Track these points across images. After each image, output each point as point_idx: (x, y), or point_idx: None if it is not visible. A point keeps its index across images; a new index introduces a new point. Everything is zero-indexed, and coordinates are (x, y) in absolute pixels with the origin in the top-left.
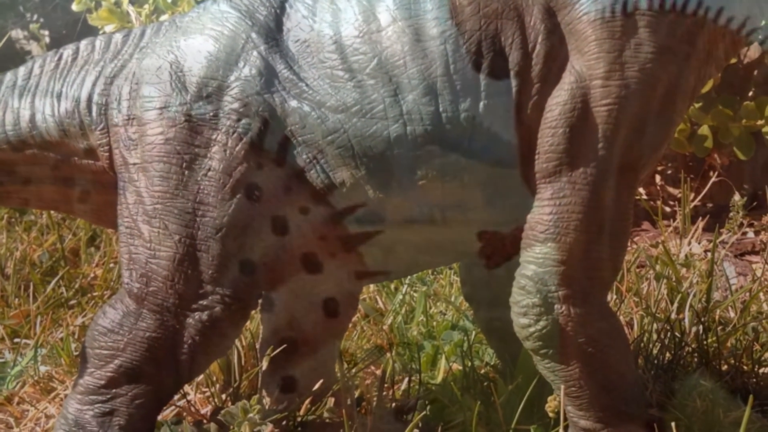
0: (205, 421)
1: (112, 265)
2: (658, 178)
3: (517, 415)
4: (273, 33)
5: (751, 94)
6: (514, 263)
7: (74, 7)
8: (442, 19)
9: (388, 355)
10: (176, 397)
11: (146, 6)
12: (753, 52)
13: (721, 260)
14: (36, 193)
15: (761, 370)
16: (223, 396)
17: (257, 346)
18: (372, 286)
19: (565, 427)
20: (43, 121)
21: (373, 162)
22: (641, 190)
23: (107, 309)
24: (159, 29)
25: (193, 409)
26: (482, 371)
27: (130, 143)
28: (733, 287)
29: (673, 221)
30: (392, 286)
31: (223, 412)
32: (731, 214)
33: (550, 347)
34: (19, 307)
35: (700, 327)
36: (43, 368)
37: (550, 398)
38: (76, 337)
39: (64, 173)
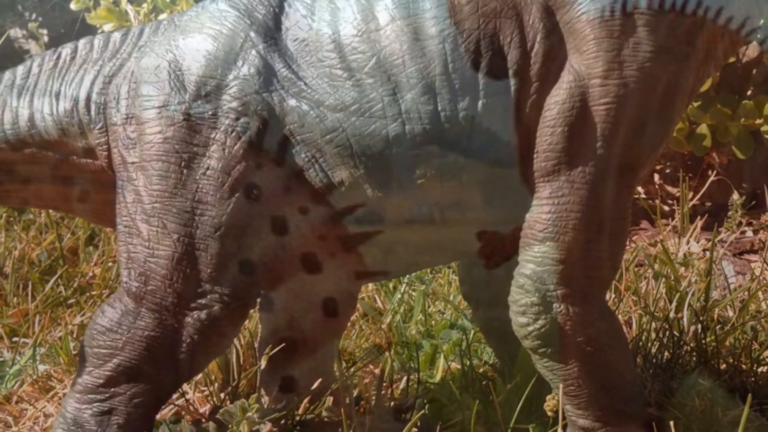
0: (203, 420)
1: (110, 264)
2: (656, 177)
3: (515, 414)
4: (272, 32)
5: (749, 93)
6: (513, 263)
7: (73, 6)
8: (440, 18)
9: (387, 354)
10: (175, 396)
11: (145, 5)
12: (752, 51)
13: (720, 259)
14: (35, 193)
15: (760, 369)
16: (222, 395)
17: (256, 345)
18: (370, 285)
19: (564, 426)
20: (41, 120)
21: (371, 161)
22: (640, 188)
23: (106, 308)
24: (157, 28)
25: (191, 408)
26: (481, 370)
27: (128, 142)
28: (732, 286)
29: (672, 220)
30: (391, 285)
31: (221, 411)
32: (730, 213)
33: (548, 346)
34: (17, 306)
35: (699, 326)
36: (41, 367)
37: (548, 397)
38: (74, 336)
39: (63, 172)
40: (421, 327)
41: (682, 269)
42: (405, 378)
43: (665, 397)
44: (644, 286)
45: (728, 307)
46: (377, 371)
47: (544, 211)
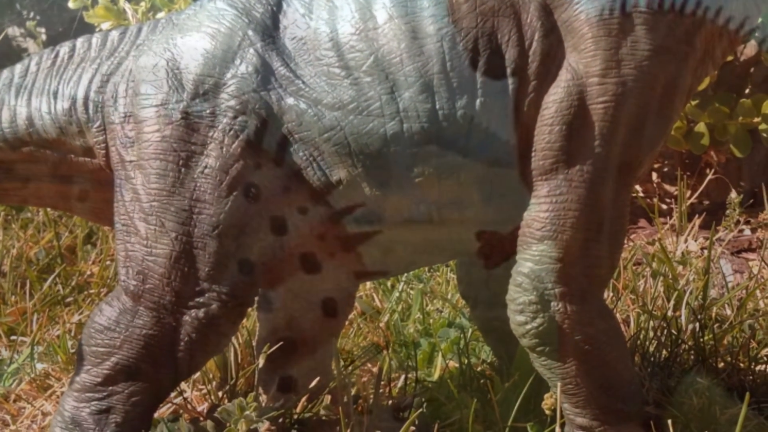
0: (201, 418)
1: (108, 262)
2: (654, 175)
3: (513, 413)
4: (269, 30)
5: (747, 91)
6: (512, 263)
7: (71, 4)
8: (438, 17)
9: (385, 352)
10: (173, 394)
11: (143, 3)
12: (750, 50)
13: (718, 258)
14: (34, 191)
15: (758, 368)
16: (220, 393)
17: (254, 343)
18: (368, 284)
19: (562, 425)
20: (39, 119)
21: (369, 159)
22: (638, 187)
23: (104, 306)
24: (155, 27)
25: (189, 406)
26: (479, 369)
27: (126, 141)
28: (730, 285)
29: (670, 219)
30: (389, 284)
31: (219, 409)
32: (728, 211)
33: (546, 345)
34: (15, 305)
35: (697, 324)
36: (39, 366)
37: (546, 396)
38: (72, 334)
39: (62, 171)
40: (419, 325)
41: (680, 268)
42: (403, 376)
43: (663, 396)
44: (642, 284)
45: (726, 305)
46: (375, 370)
47: (542, 210)
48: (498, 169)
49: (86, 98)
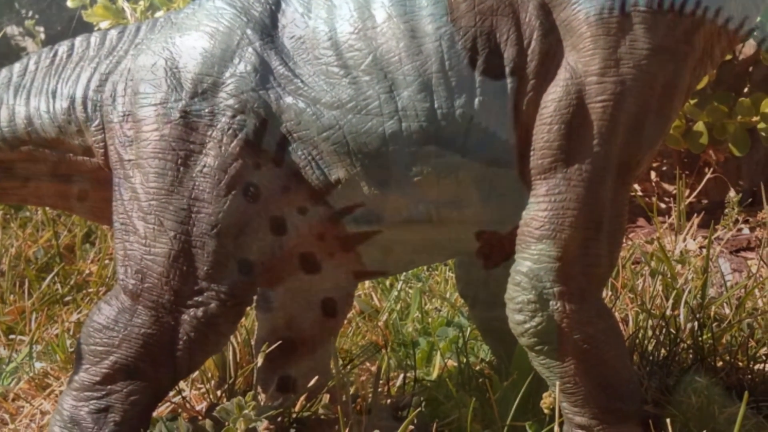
0: (200, 417)
1: (107, 261)
2: (653, 174)
3: (512, 412)
4: (268, 29)
5: (746, 90)
6: (512, 263)
7: (69, 3)
8: (437, 16)
9: (384, 351)
10: (171, 393)
11: (141, 2)
12: (748, 49)
13: (717, 257)
14: (34, 191)
15: (756, 367)
16: (219, 392)
17: (252, 342)
18: (367, 283)
19: (561, 424)
20: (38, 118)
21: (368, 159)
22: (636, 186)
23: (102, 305)
24: (154, 26)
25: (188, 405)
26: (477, 368)
27: (125, 140)
28: (729, 284)
29: (669, 218)
30: (387, 283)
31: (218, 408)
32: (726, 210)
33: (545, 344)
34: (14, 304)
35: (696, 323)
36: (38, 365)
37: (545, 395)
38: (71, 333)
39: (61, 170)
40: (418, 324)
41: (679, 267)
42: (402, 375)
43: (662, 395)
44: (641, 283)
45: (725, 304)
46: (374, 369)
47: (540, 209)
48: (497, 169)
49: (85, 97)
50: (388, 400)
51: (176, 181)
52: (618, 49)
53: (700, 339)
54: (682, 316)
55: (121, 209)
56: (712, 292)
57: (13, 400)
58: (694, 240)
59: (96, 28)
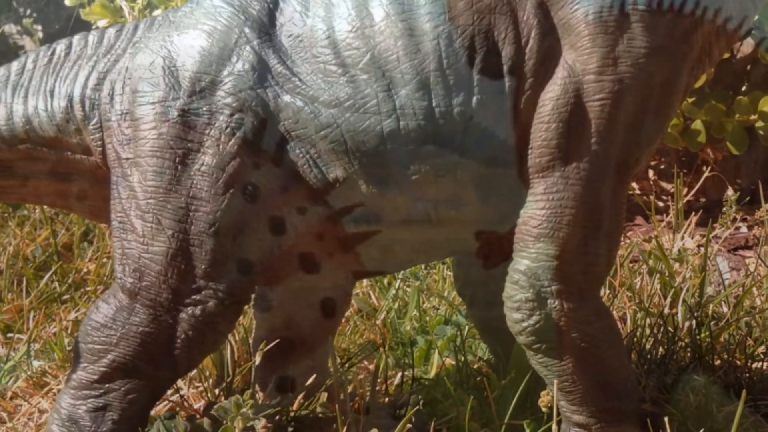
0: (198, 415)
1: (105, 260)
2: (651, 172)
3: (510, 410)
4: (266, 28)
5: (744, 89)
6: (511, 263)
7: (67, 2)
8: (435, 15)
9: (382, 350)
10: (169, 392)
11: (139, 1)
12: (746, 47)
13: (714, 255)
14: (33, 190)
15: (754, 365)
16: (216, 391)
17: (250, 341)
18: (365, 282)
19: (558, 422)
20: (36, 117)
21: (366, 157)
22: (634, 184)
23: (100, 304)
24: (152, 24)
25: (186, 403)
26: (475, 366)
27: (123, 138)
28: (726, 282)
29: (666, 216)
30: (385, 281)
31: (216, 406)
32: (724, 209)
33: (543, 342)
34: (12, 302)
35: (693, 322)
36: (36, 363)
37: (543, 393)
38: (69, 332)
39: (60, 169)
40: (416, 323)
41: (677, 265)
42: (399, 374)
43: (660, 393)
44: (639, 281)
45: (723, 303)
46: (372, 367)
47: (538, 208)
48: (495, 167)
49: (83, 96)
50: (386, 399)
51: (174, 180)
52: (616, 47)
53: (698, 337)
54: (680, 315)
55: (119, 208)
56: (710, 290)
57: (11, 398)
58: (692, 238)
59: (94, 27)
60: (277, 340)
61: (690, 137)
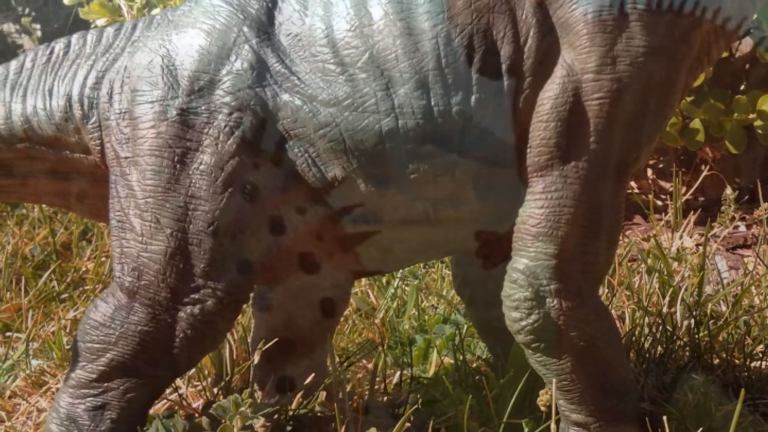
0: (196, 414)
1: (104, 258)
2: (649, 171)
3: (508, 409)
4: (265, 27)
5: (743, 88)
6: (510, 262)
7: (66, 1)
8: (433, 13)
9: (380, 349)
10: (168, 390)
11: (138, 0)
12: (745, 46)
13: (713, 254)
14: (33, 189)
15: (753, 364)
16: (215, 390)
17: (249, 339)
18: (364, 280)
19: (557, 421)
20: (35, 116)
21: (364, 156)
22: (633, 183)
23: (99, 303)
24: (151, 23)
25: (184, 402)
26: (474, 365)
27: (122, 137)
28: (725, 281)
29: (665, 215)
30: (384, 280)
31: (214, 405)
32: (723, 207)
33: (541, 341)
34: (10, 301)
35: (692, 321)
36: (34, 362)
37: (541, 392)
38: (67, 330)
39: (59, 168)
40: (415, 322)
41: (675, 264)
42: (398, 373)
43: (658, 392)
44: (637, 280)
45: (721, 302)
46: (370, 366)
47: (537, 206)
48: (494, 166)
49: (82, 95)
50: (385, 398)
51: (173, 179)
52: (615, 47)
53: (696, 336)
54: (678, 314)
55: (117, 207)
56: (708, 289)
57: (10, 397)
58: (691, 237)
59: (93, 26)
60: (276, 340)
61: (689, 136)
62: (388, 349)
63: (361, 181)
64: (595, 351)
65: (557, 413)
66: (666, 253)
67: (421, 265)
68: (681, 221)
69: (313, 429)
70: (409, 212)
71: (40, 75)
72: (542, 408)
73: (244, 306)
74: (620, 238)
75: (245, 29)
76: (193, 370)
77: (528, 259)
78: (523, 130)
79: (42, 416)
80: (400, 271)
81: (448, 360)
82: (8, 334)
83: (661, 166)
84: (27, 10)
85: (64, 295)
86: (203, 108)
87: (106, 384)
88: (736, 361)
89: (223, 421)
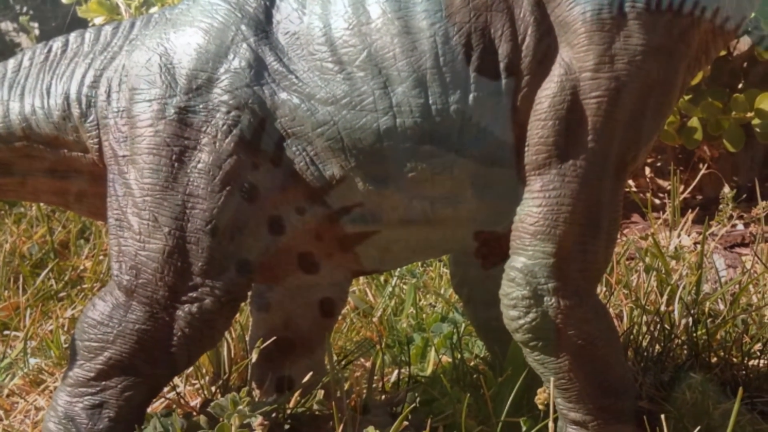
0: (194, 413)
1: (101, 257)
2: (647, 170)
3: (506, 408)
4: (263, 25)
5: (741, 86)
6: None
7: None
8: (431, 12)
9: (378, 347)
10: (166, 389)
11: None
12: (743, 45)
13: (711, 252)
14: (32, 188)
15: (751, 363)
16: (213, 388)
17: (247, 338)
18: (362, 279)
19: (555, 420)
20: (33, 115)
21: (362, 154)
22: (631, 182)
23: (97, 301)
24: (149, 21)
25: (182, 401)
26: (472, 363)
27: (119, 136)
28: (723, 279)
29: (663, 213)
30: (382, 279)
31: (212, 404)
32: (721, 206)
33: (539, 339)
34: (8, 300)
35: (690, 319)
36: (32, 361)
37: (539, 390)
38: (65, 329)
39: (57, 167)
40: (413, 320)
41: (673, 262)
42: (396, 371)
43: (656, 391)
44: (635, 279)
45: (719, 300)
46: (368, 365)
47: (535, 205)
48: (492, 165)
49: (80, 94)
50: (383, 397)
51: (171, 177)
52: (613, 45)
53: (694, 335)
54: (676, 312)
55: (115, 205)
56: (706, 288)
57: (8, 396)
58: (689, 236)
59: (90, 24)
60: (274, 338)
61: (687, 135)
62: (386, 347)
63: (360, 180)
64: (593, 349)
65: (555, 412)
66: (664, 251)
67: (419, 263)
68: (679, 220)
69: (311, 427)
70: (407, 211)
71: (38, 73)
72: (540, 406)
73: (242, 304)
74: (618, 236)
75: (243, 27)
76: (191, 368)
77: (526, 257)
78: (522, 129)
79: (40, 415)
80: (398, 269)
81: (446, 358)
82: (6, 332)
83: (659, 164)
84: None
85: (62, 294)
86: (201, 106)
87: (104, 382)
88: (734, 359)
89: (220, 419)
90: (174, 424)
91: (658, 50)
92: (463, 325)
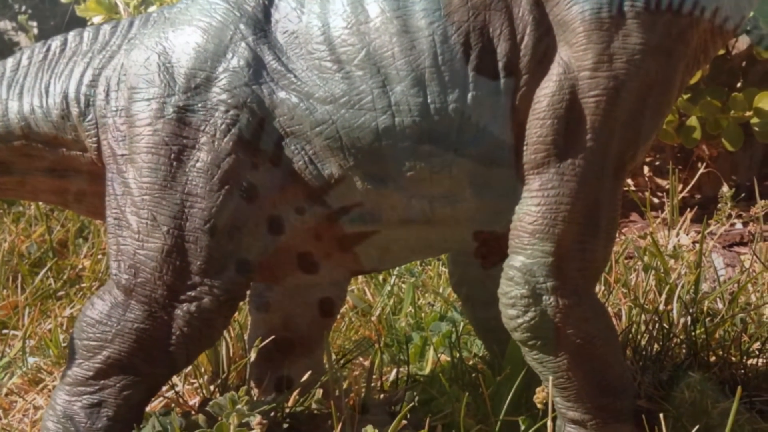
0: (193, 412)
1: (100, 256)
2: (646, 169)
3: (505, 407)
4: (261, 24)
5: (740, 85)
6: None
7: None
8: (430, 11)
9: (377, 346)
10: (164, 388)
11: None
12: (741, 44)
13: (710, 251)
14: (31, 187)
15: (749, 362)
16: (212, 387)
17: (245, 337)
18: (360, 278)
19: (554, 419)
20: (31, 114)
21: (361, 153)
22: (629, 181)
23: (95, 300)
24: (147, 20)
25: (181, 400)
26: (470, 362)
27: (118, 135)
28: (722, 278)
29: (662, 212)
30: (380, 278)
31: (211, 403)
32: (719, 205)
33: (538, 339)
34: (7, 299)
35: (689, 318)
36: (31, 360)
37: (538, 390)
38: (64, 328)
39: (56, 166)
40: (411, 319)
41: (672, 261)
42: (395, 370)
43: (655, 390)
44: (634, 278)
45: (718, 299)
46: (367, 364)
47: (534, 204)
48: (491, 164)
49: (78, 93)
50: (382, 396)
51: (169, 176)
52: (611, 44)
53: (693, 334)
54: (675, 311)
55: (114, 204)
56: (705, 287)
57: (7, 395)
58: (687, 235)
59: (89, 23)
60: (273, 338)
61: (685, 134)
62: (385, 346)
63: (358, 179)
64: (592, 348)
65: (554, 411)
66: (662, 250)
67: (418, 262)
68: (678, 219)
69: (310, 426)
70: (406, 211)
71: (37, 73)
72: (539, 405)
73: (241, 304)
74: (617, 235)
75: (242, 27)
76: (190, 367)
77: (525, 256)
78: (520, 128)
79: (39, 414)
80: (397, 268)
81: (444, 357)
82: (5, 331)
83: (657, 163)
84: (23, 8)
85: (61, 293)
86: (200, 105)
87: (102, 381)
88: (733, 358)
89: (219, 418)
90: (172, 423)
91: (656, 49)
92: (462, 324)
